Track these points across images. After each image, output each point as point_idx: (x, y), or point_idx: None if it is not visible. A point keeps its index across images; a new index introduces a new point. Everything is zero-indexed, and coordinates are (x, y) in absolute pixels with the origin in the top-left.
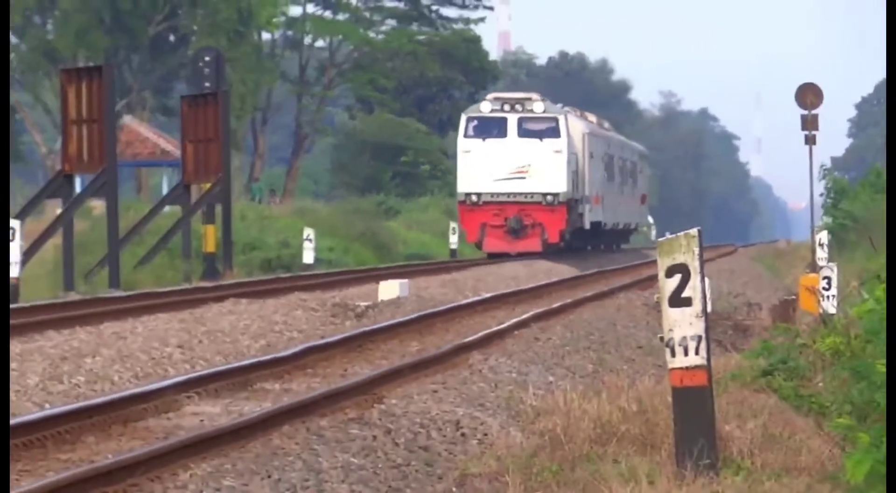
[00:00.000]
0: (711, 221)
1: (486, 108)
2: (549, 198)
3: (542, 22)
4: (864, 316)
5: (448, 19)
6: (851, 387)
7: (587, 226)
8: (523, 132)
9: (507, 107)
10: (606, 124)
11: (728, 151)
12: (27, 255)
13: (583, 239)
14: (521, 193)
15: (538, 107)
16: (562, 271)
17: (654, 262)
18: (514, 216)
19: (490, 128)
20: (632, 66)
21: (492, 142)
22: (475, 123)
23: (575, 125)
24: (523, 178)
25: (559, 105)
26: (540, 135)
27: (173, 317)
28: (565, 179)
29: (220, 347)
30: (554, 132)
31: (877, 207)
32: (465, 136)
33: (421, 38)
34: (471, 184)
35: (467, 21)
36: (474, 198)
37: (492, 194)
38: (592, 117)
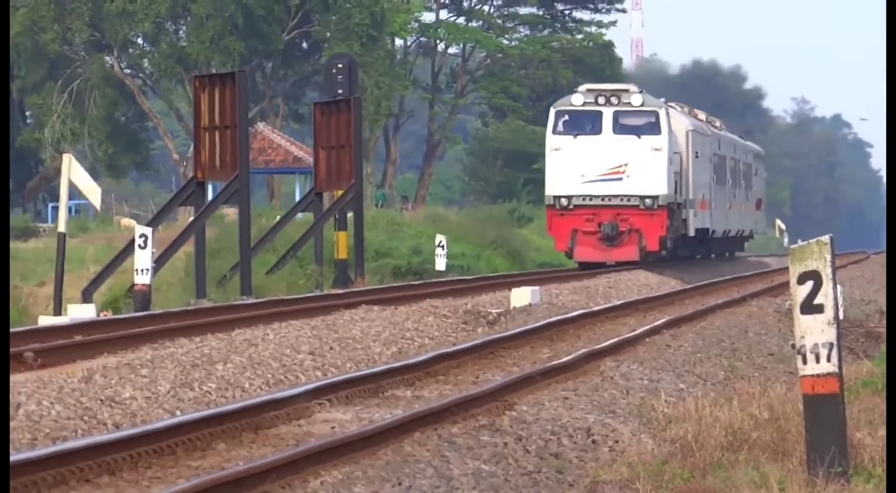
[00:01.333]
0: (844, 228)
1: (577, 100)
2: (647, 201)
3: (675, 28)
4: None
5: (581, 22)
6: None
7: (691, 233)
8: (619, 128)
9: (601, 100)
10: (718, 123)
11: (861, 158)
12: (159, 262)
13: (688, 247)
14: (616, 196)
15: (636, 100)
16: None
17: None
18: (608, 222)
19: (582, 123)
20: (765, 73)
21: (584, 139)
22: (566, 117)
23: (678, 121)
24: (619, 179)
25: (661, 99)
26: (638, 131)
27: (305, 324)
28: (666, 180)
29: (352, 354)
30: (654, 128)
31: None
32: (555, 132)
33: (554, 44)
34: (560, 186)
35: (600, 24)
36: (564, 201)
37: (584, 197)
38: (701, 114)
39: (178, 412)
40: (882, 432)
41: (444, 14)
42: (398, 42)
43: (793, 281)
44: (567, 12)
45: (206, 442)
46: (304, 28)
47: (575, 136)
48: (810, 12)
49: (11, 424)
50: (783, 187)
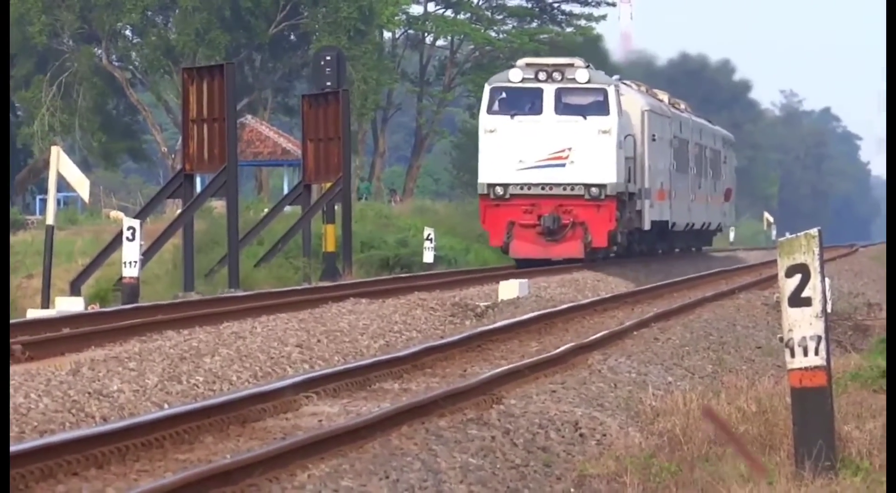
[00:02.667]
0: (833, 221)
1: (515, 76)
2: (594, 190)
3: (664, 22)
4: None
5: (571, 15)
6: None
7: (647, 226)
8: (562, 108)
9: (542, 75)
10: (683, 105)
11: (850, 151)
12: (147, 255)
13: (645, 242)
14: (558, 184)
15: (582, 76)
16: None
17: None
18: (549, 214)
19: (521, 102)
20: (754, 66)
21: (522, 119)
22: (502, 95)
23: (632, 100)
24: (562, 165)
25: (615, 77)
26: (583, 111)
27: (293, 317)
28: (615, 166)
29: (339, 346)
30: (601, 108)
31: None
32: (490, 111)
33: (542, 37)
34: (495, 173)
35: (589, 18)
36: (499, 190)
37: (522, 185)
38: (662, 94)
39: (165, 405)
40: (870, 425)
41: (431, 7)
42: (386, 35)
43: (781, 274)
44: (556, 5)
45: (194, 435)
46: (291, 21)
47: (512, 116)
48: (800, 5)
49: None
50: (772, 181)
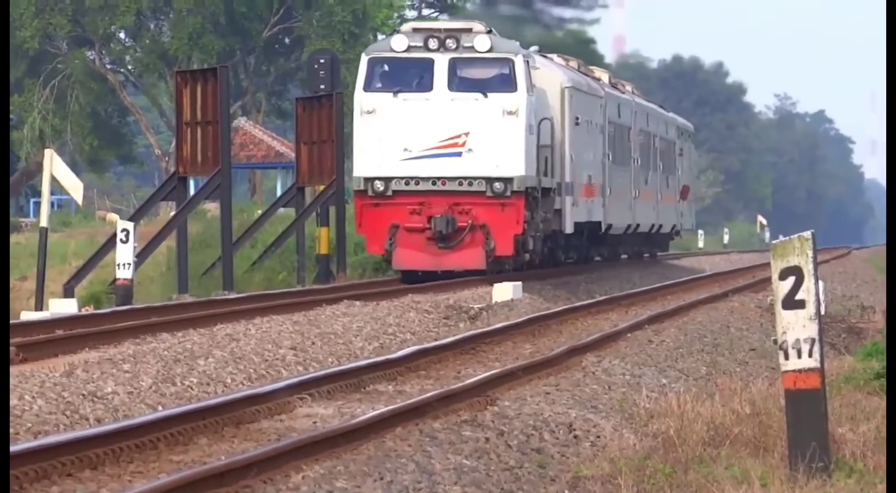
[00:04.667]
0: (826, 223)
1: (399, 44)
2: (497, 186)
3: (657, 25)
4: None
5: (562, 20)
6: None
7: (568, 229)
8: (458, 83)
9: (433, 43)
10: (629, 87)
11: (843, 154)
12: (141, 257)
13: (576, 248)
14: (454, 178)
15: (482, 43)
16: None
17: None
18: (442, 215)
19: (407, 76)
20: (747, 70)
21: (408, 98)
22: (384, 68)
23: (549, 75)
24: (458, 154)
25: (533, 48)
26: (484, 87)
27: (287, 319)
28: (523, 156)
29: (334, 348)
30: (506, 83)
31: None
32: (368, 88)
33: (535, 41)
34: (374, 164)
35: (582, 22)
36: (380, 186)
37: (408, 180)
38: (599, 72)
39: (160, 407)
40: (864, 427)
41: (426, 11)
42: (380, 38)
43: (774, 277)
44: (547, 10)
45: (188, 437)
46: (285, 24)
47: (395, 93)
48: (794, 9)
49: None
50: (765, 183)
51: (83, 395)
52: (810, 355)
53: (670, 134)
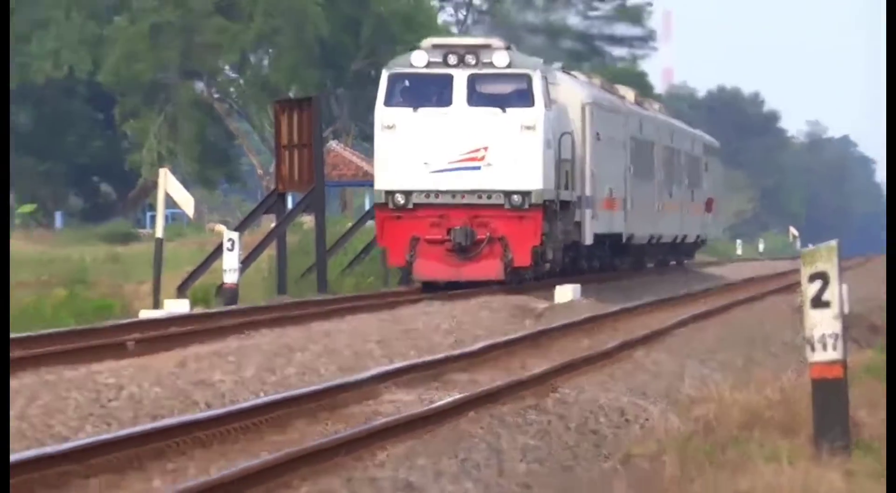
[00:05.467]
0: (853, 235)
1: (419, 60)
2: (515, 198)
3: (703, 57)
4: None
5: (616, 58)
6: None
7: (588, 240)
8: (477, 98)
9: (452, 59)
10: (657, 106)
11: (868, 174)
12: (245, 263)
13: (597, 257)
14: (472, 191)
15: (500, 59)
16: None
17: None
18: (461, 226)
19: (427, 91)
20: (782, 97)
21: (429, 112)
22: (404, 83)
23: (569, 91)
24: (477, 168)
25: (556, 65)
26: (503, 102)
27: (374, 317)
28: (541, 169)
29: (415, 343)
30: (524, 98)
31: None
32: (389, 103)
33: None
34: (396, 177)
35: (634, 59)
36: (400, 198)
37: (428, 193)
38: (625, 90)
39: (261, 394)
40: (881, 413)
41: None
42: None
43: (804, 280)
44: (605, 48)
45: (287, 420)
46: (371, 59)
47: (416, 108)
48: (825, 46)
49: (115, 404)
50: (800, 201)
51: (194, 383)
52: (834, 349)
53: (696, 150)
